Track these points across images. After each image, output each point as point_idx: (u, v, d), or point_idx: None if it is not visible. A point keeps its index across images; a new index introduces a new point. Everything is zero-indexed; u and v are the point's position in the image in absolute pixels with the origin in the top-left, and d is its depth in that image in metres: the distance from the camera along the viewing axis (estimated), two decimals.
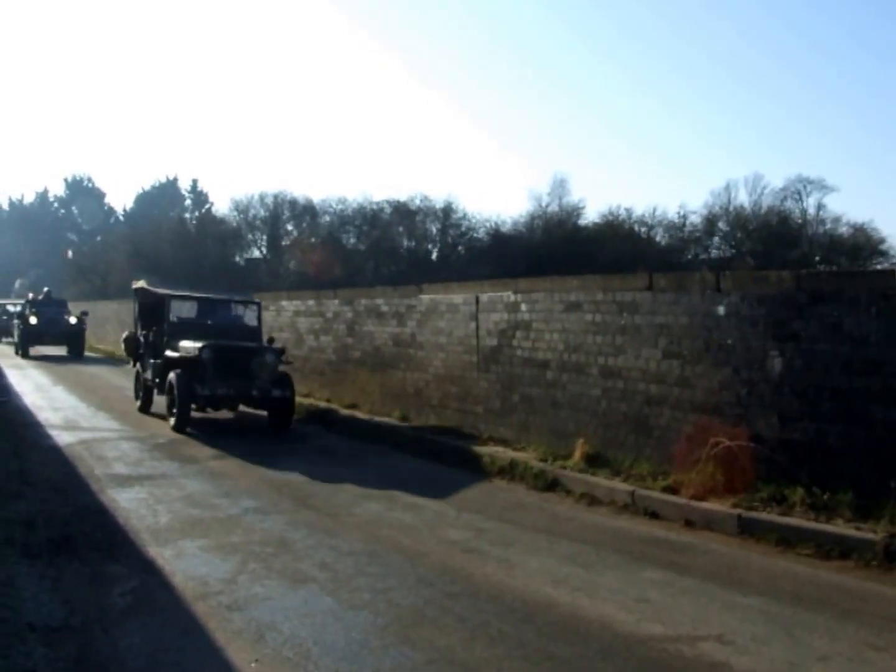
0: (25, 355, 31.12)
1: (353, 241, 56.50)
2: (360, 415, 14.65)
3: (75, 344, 32.53)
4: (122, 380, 21.63)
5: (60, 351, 32.53)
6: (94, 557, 6.75)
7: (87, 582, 6.19)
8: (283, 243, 57.48)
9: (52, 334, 31.91)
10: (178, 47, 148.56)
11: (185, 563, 6.70)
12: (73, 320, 32.94)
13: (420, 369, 14.00)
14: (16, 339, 33.51)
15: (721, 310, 8.69)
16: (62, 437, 12.46)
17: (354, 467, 10.84)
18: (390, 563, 6.75)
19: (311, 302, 18.21)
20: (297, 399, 14.21)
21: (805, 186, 54.71)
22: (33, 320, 31.74)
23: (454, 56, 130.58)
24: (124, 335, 16.89)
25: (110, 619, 5.50)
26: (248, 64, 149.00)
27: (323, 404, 15.96)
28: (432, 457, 11.32)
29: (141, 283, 16.55)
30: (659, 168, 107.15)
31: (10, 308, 45.38)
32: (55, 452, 11.36)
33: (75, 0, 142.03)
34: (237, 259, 58.20)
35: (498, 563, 6.80)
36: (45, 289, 37.03)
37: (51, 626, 5.30)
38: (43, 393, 18.70)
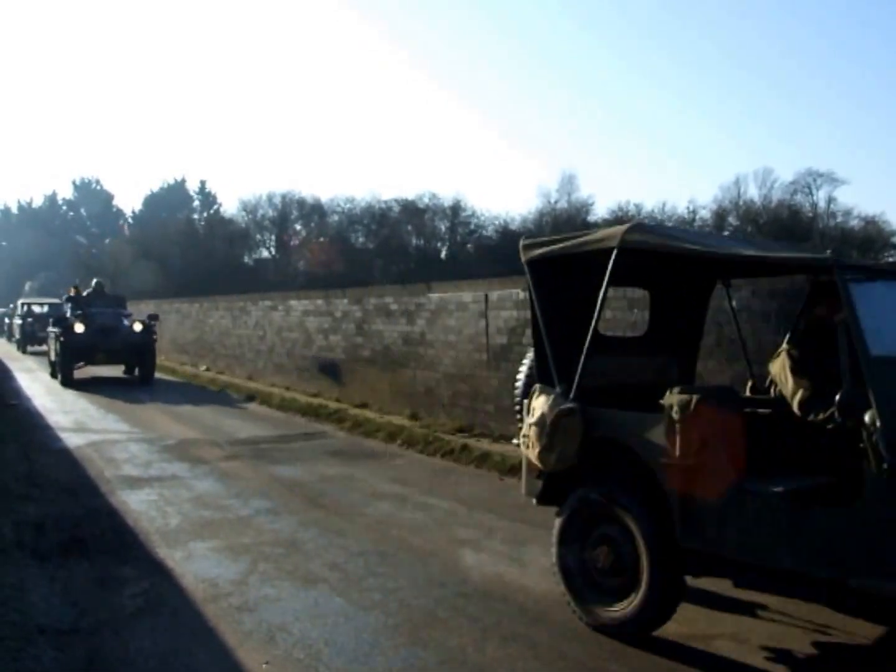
0: (67, 381, 20.49)
1: (361, 240, 56.68)
2: (369, 414, 14.62)
3: (143, 362, 21.48)
4: (131, 383, 21.69)
5: (116, 371, 22.88)
6: (103, 559, 6.73)
7: (97, 584, 6.17)
8: (292, 243, 57.59)
9: (108, 348, 20.79)
10: (187, 48, 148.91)
11: (196, 565, 6.68)
12: (137, 327, 21.26)
13: (430, 368, 13.97)
14: (52, 355, 22.62)
15: (733, 304, 8.62)
16: (72, 440, 12.46)
17: (365, 467, 10.81)
18: (401, 564, 6.72)
19: (319, 301, 18.19)
20: (307, 399, 14.17)
21: (815, 180, 54.78)
22: (80, 328, 20.41)
23: (462, 53, 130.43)
24: None
25: (120, 621, 5.48)
26: (256, 64, 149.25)
27: (332, 404, 15.93)
28: (443, 456, 11.28)
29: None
30: (668, 163, 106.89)
31: (38, 309, 37.81)
32: (65, 454, 11.36)
33: (81, 2, 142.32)
34: (246, 259, 58.40)
35: (510, 562, 6.76)
36: (95, 280, 24.22)
37: (60, 629, 5.29)
38: (53, 396, 18.72)
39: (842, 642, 5.12)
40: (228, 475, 10.23)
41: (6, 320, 49.49)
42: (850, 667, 4.85)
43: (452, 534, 7.65)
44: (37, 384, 21.07)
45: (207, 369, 24.87)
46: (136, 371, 21.94)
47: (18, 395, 18.46)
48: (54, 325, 21.59)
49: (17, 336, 38.21)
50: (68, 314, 21.92)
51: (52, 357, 22.26)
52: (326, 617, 5.56)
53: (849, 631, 5.27)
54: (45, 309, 36.82)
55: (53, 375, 22.00)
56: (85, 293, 22.99)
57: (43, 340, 33.42)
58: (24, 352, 35.71)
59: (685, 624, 5.39)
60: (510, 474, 9.98)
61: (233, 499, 8.95)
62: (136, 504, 8.67)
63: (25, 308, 38.32)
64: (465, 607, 5.73)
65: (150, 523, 7.92)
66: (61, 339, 20.31)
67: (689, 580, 5.14)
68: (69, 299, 22.93)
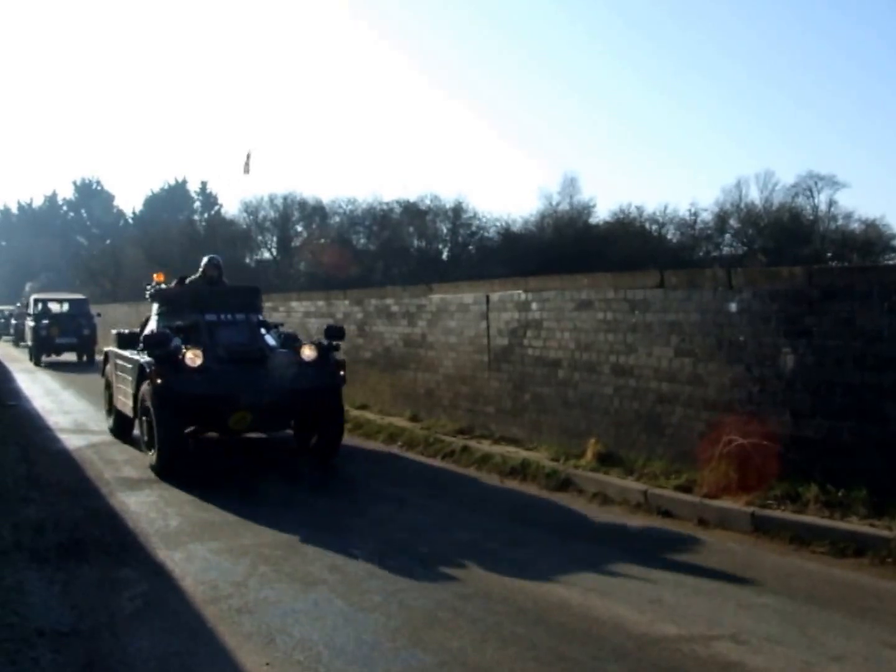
0: (168, 466, 10.07)
1: (363, 241, 56.55)
2: (370, 415, 14.60)
3: (326, 426, 10.99)
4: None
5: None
6: (103, 561, 6.73)
7: (97, 586, 6.17)
8: (293, 244, 57.55)
9: (257, 403, 10.15)
10: (187, 49, 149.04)
11: (195, 567, 6.68)
12: (309, 354, 10.68)
13: (430, 369, 13.95)
14: (123, 401, 11.96)
15: (733, 307, 8.61)
16: (71, 441, 12.46)
17: (365, 468, 10.80)
18: (401, 565, 6.71)
19: (321, 303, 18.16)
20: None
21: (816, 183, 54.72)
22: (194, 359, 9.86)
23: (464, 55, 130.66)
24: None
25: (120, 623, 5.47)
26: (258, 65, 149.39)
27: None
28: (443, 457, 11.27)
29: None
30: (670, 166, 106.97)
31: (56, 307, 30.80)
32: (64, 456, 11.36)
33: (82, 3, 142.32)
34: (247, 260, 58.28)
35: (510, 563, 6.74)
36: (207, 259, 12.71)
37: (59, 631, 5.29)
38: (52, 397, 18.71)
39: (839, 642, 5.11)
40: (229, 476, 10.23)
41: (13, 321, 43.89)
42: (848, 665, 4.83)
43: (453, 535, 7.64)
44: (36, 385, 20.94)
45: None
46: (314, 440, 11.19)
47: (17, 395, 18.45)
48: (141, 348, 10.90)
49: (30, 342, 29.54)
50: (157, 327, 11.56)
51: (128, 407, 11.40)
52: (326, 619, 5.55)
53: (847, 632, 5.27)
54: (66, 307, 30.87)
55: (146, 446, 10.53)
56: (189, 280, 12.56)
57: (63, 348, 28.80)
58: (39, 363, 28.09)
59: (685, 625, 5.38)
60: (511, 476, 9.96)
61: (233, 500, 8.94)
62: (136, 505, 8.67)
63: (40, 306, 30.06)
64: (465, 609, 5.71)
65: (149, 525, 7.91)
66: (159, 385, 9.84)
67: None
68: (158, 296, 12.33)
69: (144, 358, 10.45)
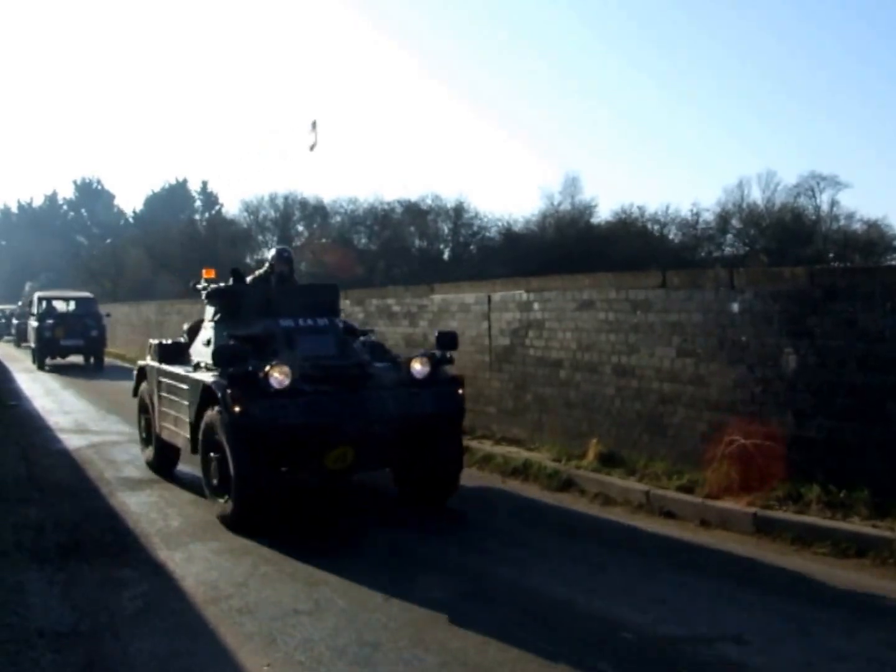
0: None
1: (364, 241, 56.50)
2: None
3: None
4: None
5: None
6: (103, 562, 6.72)
7: (97, 586, 6.16)
8: (294, 244, 57.54)
9: None
10: (187, 49, 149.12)
11: (196, 567, 6.67)
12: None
13: None
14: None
15: (735, 307, 8.60)
16: (72, 441, 12.45)
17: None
18: (402, 565, 6.70)
19: None
20: None
21: (818, 183, 54.66)
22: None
23: (466, 54, 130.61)
24: None
25: (120, 624, 5.47)
26: (259, 65, 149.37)
27: None
28: None
29: None
30: (671, 165, 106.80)
31: (61, 306, 28.78)
32: (65, 456, 11.36)
33: (82, 2, 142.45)
34: (248, 260, 58.25)
35: (512, 564, 6.73)
36: (274, 251, 10.54)
37: (60, 632, 5.28)
38: (53, 397, 18.71)
39: (842, 643, 5.09)
40: None
41: (14, 321, 41.68)
42: (850, 666, 4.81)
43: (454, 536, 7.63)
44: (37, 385, 20.89)
45: None
46: (418, 477, 8.84)
47: (18, 395, 18.44)
48: (203, 364, 8.93)
49: (33, 344, 27.70)
50: (218, 336, 8.98)
51: (180, 438, 9.20)
52: (327, 619, 5.54)
53: (849, 632, 5.25)
54: (72, 306, 28.88)
55: (212, 490, 8.23)
56: (250, 279, 10.42)
57: (69, 351, 26.65)
58: (43, 367, 26.42)
59: (687, 625, 5.37)
60: (512, 476, 9.95)
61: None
62: (137, 506, 8.66)
63: (44, 305, 28.26)
64: (467, 609, 5.70)
65: (150, 525, 7.90)
66: (237, 413, 7.56)
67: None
68: (220, 297, 9.65)
69: (208, 377, 8.24)
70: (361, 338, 9.43)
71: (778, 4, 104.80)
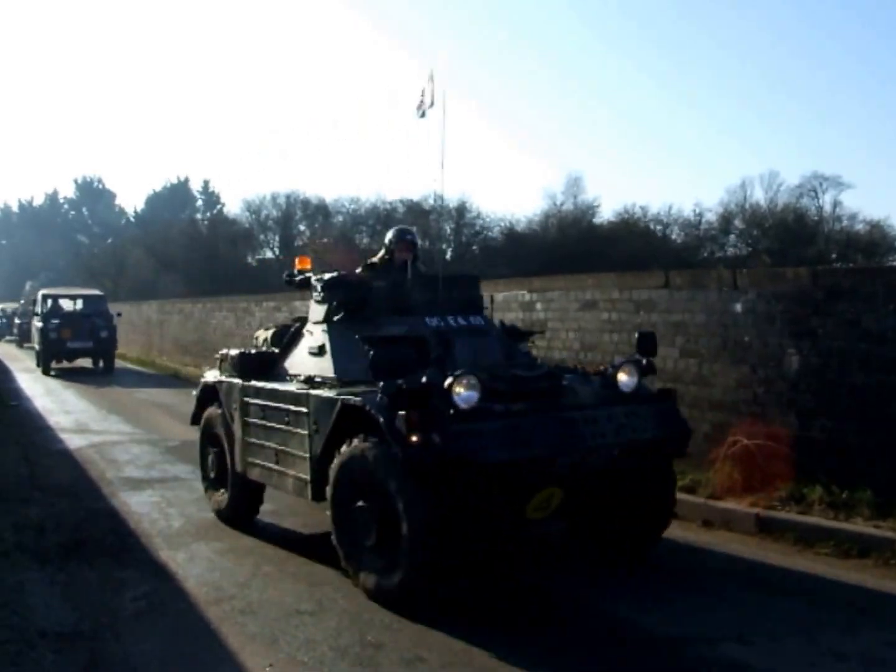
0: None
1: (366, 240, 56.46)
2: None
3: None
4: (133, 383, 21.65)
5: None
6: (105, 562, 6.71)
7: (98, 587, 6.15)
8: (296, 244, 57.54)
9: None
10: (189, 48, 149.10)
11: (198, 567, 6.65)
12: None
13: None
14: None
15: (738, 307, 8.60)
16: (73, 441, 12.44)
17: None
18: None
19: None
20: None
21: (821, 184, 54.61)
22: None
23: (466, 54, 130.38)
24: None
25: (121, 624, 5.45)
26: (260, 64, 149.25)
27: None
28: None
29: None
30: (674, 166, 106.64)
31: (68, 305, 26.51)
32: (66, 456, 11.34)
33: (83, 2, 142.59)
34: (249, 260, 58.33)
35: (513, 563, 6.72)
36: (393, 232, 8.16)
37: (61, 633, 5.27)
38: (53, 396, 18.69)
39: (844, 643, 5.08)
40: None
41: (17, 320, 39.95)
42: (852, 665, 4.80)
43: None
44: (38, 385, 20.86)
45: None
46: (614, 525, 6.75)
47: (18, 395, 18.44)
48: (325, 382, 6.66)
49: (37, 346, 25.26)
50: (342, 339, 6.87)
51: (288, 480, 6.87)
52: (330, 619, 5.53)
53: (851, 632, 5.24)
54: (80, 305, 26.39)
55: (352, 556, 6.03)
56: (359, 270, 8.09)
57: (76, 353, 24.33)
58: (48, 371, 24.04)
59: (690, 626, 5.36)
60: None
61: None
62: (138, 506, 8.64)
63: (49, 304, 25.70)
64: (470, 608, 5.69)
65: (152, 525, 7.88)
66: (415, 443, 5.32)
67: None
68: (338, 288, 7.25)
69: (352, 396, 5.97)
70: (534, 338, 8.17)
71: (779, 5, 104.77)
